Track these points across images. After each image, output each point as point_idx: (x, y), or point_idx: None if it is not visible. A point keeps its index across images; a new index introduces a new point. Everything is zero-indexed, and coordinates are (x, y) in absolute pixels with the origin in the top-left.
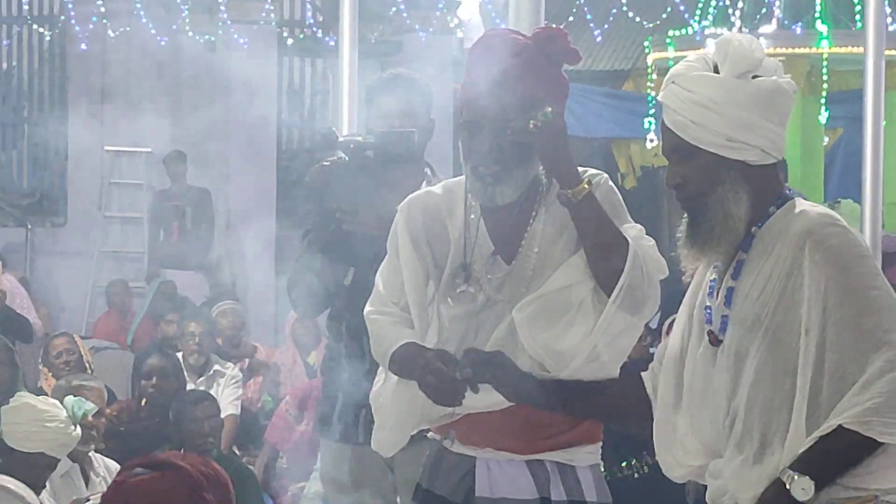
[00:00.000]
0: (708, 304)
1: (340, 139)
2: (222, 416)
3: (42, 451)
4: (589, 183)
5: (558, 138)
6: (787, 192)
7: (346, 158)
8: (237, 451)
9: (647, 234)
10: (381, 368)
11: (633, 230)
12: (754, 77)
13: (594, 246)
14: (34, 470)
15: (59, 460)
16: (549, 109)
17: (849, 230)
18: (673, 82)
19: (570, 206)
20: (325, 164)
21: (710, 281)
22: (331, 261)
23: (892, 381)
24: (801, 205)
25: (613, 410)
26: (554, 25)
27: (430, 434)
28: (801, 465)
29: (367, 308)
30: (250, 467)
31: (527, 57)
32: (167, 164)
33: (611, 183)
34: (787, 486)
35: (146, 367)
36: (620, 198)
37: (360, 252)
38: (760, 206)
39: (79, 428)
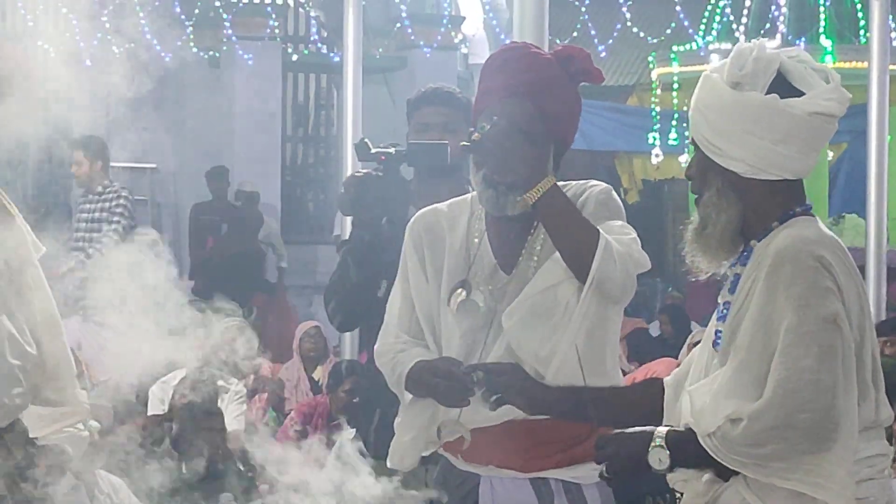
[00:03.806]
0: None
1: (373, 150)
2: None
3: None
4: (551, 185)
5: (499, 149)
6: (797, 209)
7: (382, 169)
8: (241, 467)
9: (650, 248)
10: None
11: (615, 226)
12: (773, 92)
13: (562, 240)
14: None
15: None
16: (486, 125)
17: (810, 261)
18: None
19: (520, 210)
20: (357, 175)
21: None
22: (365, 273)
23: (752, 417)
24: (794, 224)
25: (633, 417)
26: (557, 41)
27: (440, 450)
28: (671, 438)
29: (377, 345)
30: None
31: (550, 74)
32: (209, 180)
33: (608, 192)
34: (648, 451)
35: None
36: (618, 203)
37: (394, 264)
38: (760, 221)
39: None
